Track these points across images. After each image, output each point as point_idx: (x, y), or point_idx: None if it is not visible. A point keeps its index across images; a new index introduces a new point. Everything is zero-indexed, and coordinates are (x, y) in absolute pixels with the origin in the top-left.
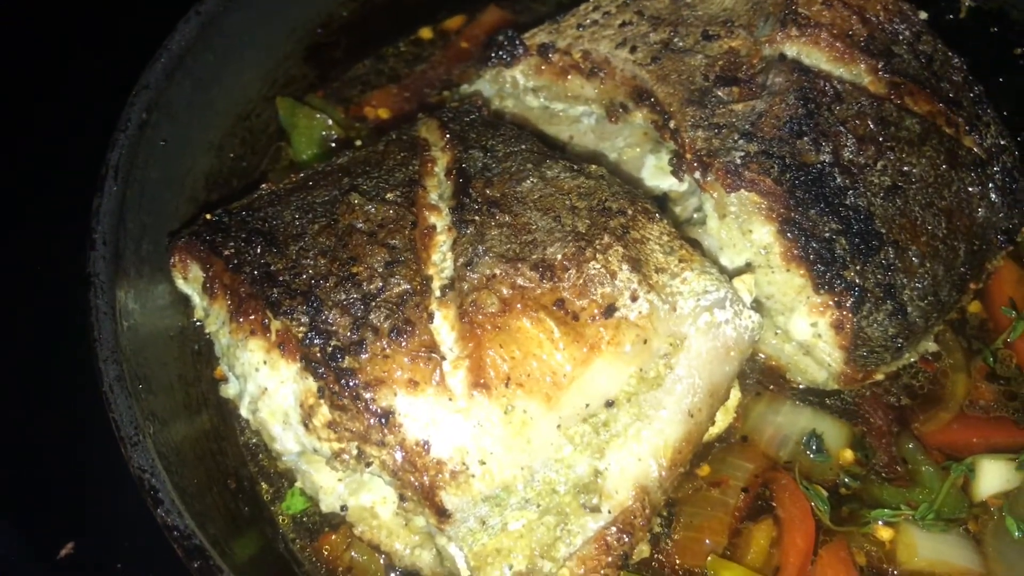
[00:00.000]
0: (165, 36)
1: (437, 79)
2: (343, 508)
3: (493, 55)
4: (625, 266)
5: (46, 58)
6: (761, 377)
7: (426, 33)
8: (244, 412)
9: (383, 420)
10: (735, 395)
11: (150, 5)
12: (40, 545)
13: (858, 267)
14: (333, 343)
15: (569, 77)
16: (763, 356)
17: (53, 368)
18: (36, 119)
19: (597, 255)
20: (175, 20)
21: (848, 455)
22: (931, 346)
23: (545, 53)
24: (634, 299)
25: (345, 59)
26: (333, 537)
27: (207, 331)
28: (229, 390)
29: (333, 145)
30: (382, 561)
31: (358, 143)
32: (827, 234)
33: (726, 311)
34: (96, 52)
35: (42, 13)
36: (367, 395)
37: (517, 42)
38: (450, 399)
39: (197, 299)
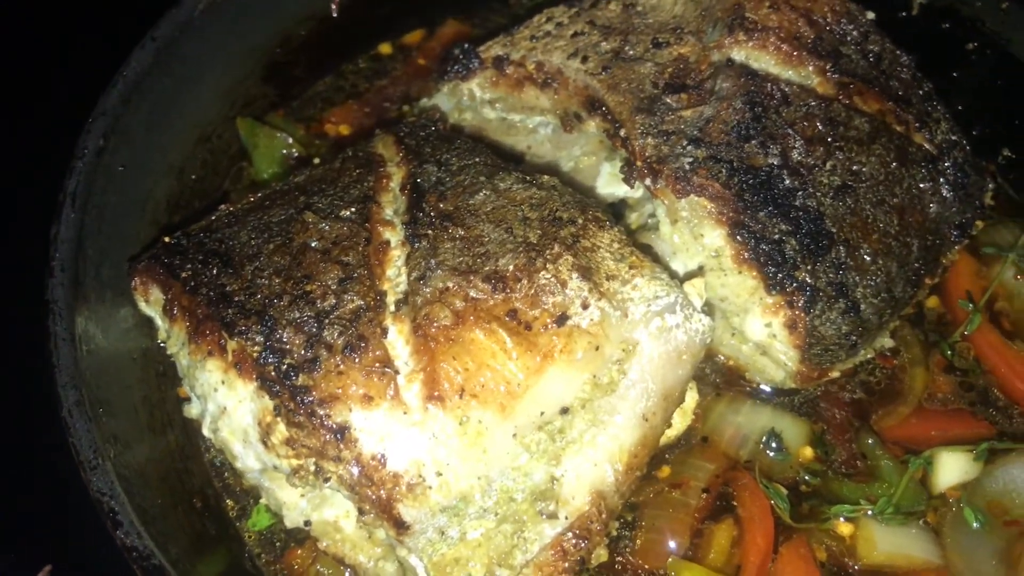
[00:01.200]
0: (123, 61)
1: (397, 94)
2: (307, 523)
3: (450, 69)
4: (575, 275)
5: (9, 83)
6: (721, 377)
7: (385, 48)
8: (206, 431)
9: (338, 436)
10: (692, 397)
11: (106, 31)
12: (20, 567)
13: (809, 267)
14: (287, 361)
15: (524, 88)
16: (722, 356)
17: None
18: None
19: (548, 265)
20: (132, 45)
21: (808, 452)
22: (887, 342)
23: (500, 66)
24: (585, 307)
25: (305, 77)
26: (299, 552)
27: (169, 352)
28: (192, 410)
29: (294, 163)
30: (347, 574)
31: (316, 161)
32: (777, 235)
33: (677, 315)
34: (56, 78)
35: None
36: (321, 411)
37: (473, 55)
38: (405, 412)
39: (159, 321)
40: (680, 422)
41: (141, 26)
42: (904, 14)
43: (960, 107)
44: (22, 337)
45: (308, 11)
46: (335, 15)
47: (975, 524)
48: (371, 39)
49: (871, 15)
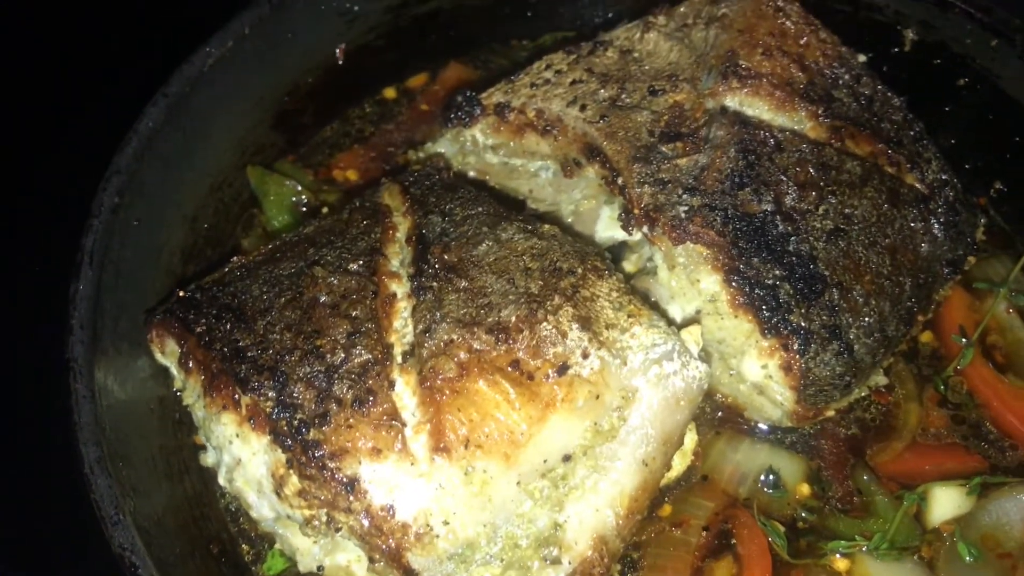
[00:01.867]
0: (135, 118)
1: (402, 138)
2: (320, 568)
3: (453, 116)
4: (575, 325)
5: (23, 142)
6: (720, 414)
7: (390, 93)
8: (222, 481)
9: (349, 488)
10: (691, 438)
11: (120, 88)
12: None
13: (803, 310)
14: (299, 416)
15: (525, 135)
16: (721, 395)
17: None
18: (15, 202)
19: (548, 316)
20: (144, 101)
21: (805, 489)
22: (881, 380)
23: (501, 113)
24: (585, 356)
25: (313, 124)
26: None
27: (185, 403)
28: (208, 459)
29: (304, 210)
30: None
31: (324, 210)
32: (770, 281)
33: (674, 362)
34: (71, 133)
35: (12, 102)
36: (332, 465)
37: (474, 103)
38: (412, 464)
39: (175, 372)
40: (680, 463)
41: (152, 81)
42: (897, 50)
43: (953, 141)
44: (22, 337)
45: (314, 60)
46: (340, 62)
47: (969, 558)
48: (376, 84)
49: (862, 58)
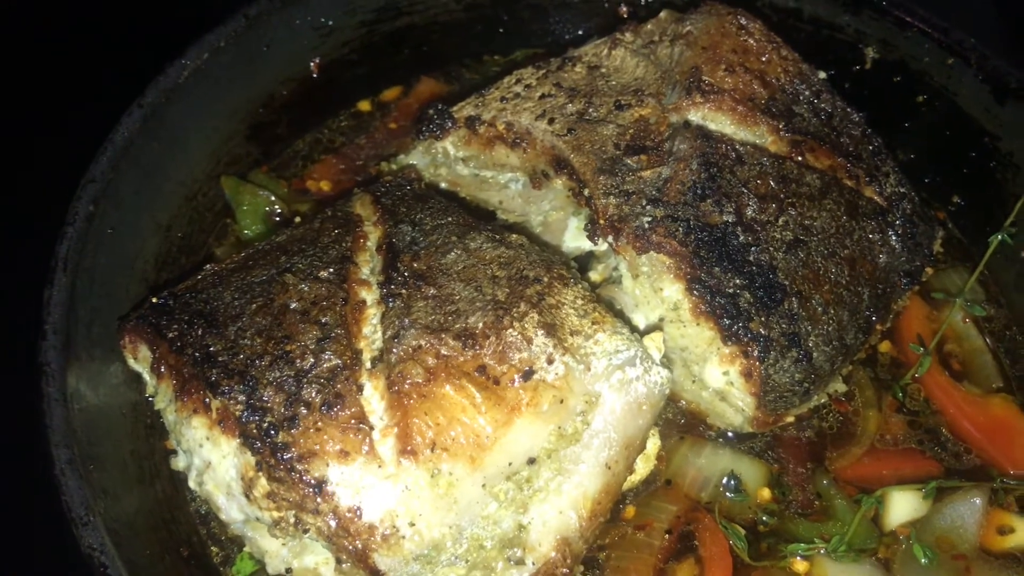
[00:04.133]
0: (111, 128)
1: (375, 150)
2: (288, 570)
3: (425, 128)
4: (540, 331)
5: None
6: (684, 421)
7: (364, 105)
8: (192, 484)
9: (316, 490)
10: (654, 443)
11: (96, 98)
12: None
13: (763, 318)
14: (268, 419)
15: (495, 147)
16: (684, 402)
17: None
18: None
19: (514, 323)
20: (121, 111)
21: (766, 493)
22: (840, 387)
23: (472, 125)
24: (550, 362)
25: (287, 135)
26: None
27: (156, 407)
28: (179, 463)
29: (278, 220)
30: None
31: (297, 220)
32: (731, 289)
33: (636, 368)
34: (48, 143)
35: None
36: (300, 467)
37: (446, 116)
38: (379, 466)
39: (147, 377)
40: (643, 467)
41: (129, 90)
42: (858, 68)
43: (912, 155)
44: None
45: (289, 72)
46: (315, 75)
47: (924, 559)
48: (350, 97)
49: (823, 74)
